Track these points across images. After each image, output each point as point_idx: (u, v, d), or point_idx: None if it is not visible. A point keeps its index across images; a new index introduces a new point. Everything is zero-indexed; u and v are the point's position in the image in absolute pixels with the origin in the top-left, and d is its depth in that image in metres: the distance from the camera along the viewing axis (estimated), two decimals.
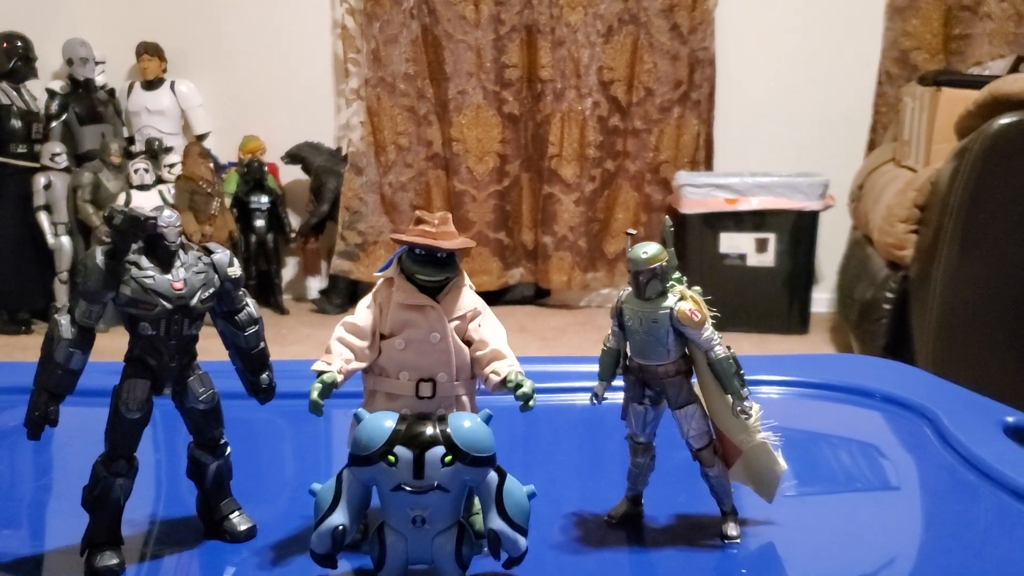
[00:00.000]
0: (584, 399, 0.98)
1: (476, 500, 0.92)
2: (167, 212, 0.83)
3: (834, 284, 4.31)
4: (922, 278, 2.94)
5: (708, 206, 4.04)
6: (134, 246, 0.83)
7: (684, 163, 4.52)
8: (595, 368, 0.94)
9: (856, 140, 4.50)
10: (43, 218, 4.22)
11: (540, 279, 4.71)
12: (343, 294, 4.65)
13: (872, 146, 4.44)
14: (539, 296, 4.78)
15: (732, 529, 0.91)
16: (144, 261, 0.83)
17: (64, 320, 0.82)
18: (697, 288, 0.90)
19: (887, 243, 3.20)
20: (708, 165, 4.55)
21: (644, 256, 0.87)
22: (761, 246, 4.07)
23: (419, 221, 0.89)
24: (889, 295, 3.17)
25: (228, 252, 0.88)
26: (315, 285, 4.82)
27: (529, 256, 4.71)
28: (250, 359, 0.91)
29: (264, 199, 4.50)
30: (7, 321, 4.30)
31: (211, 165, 4.38)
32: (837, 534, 0.95)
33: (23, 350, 4.05)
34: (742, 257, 4.08)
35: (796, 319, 4.12)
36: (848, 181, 4.19)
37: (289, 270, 4.88)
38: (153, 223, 0.81)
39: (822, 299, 4.43)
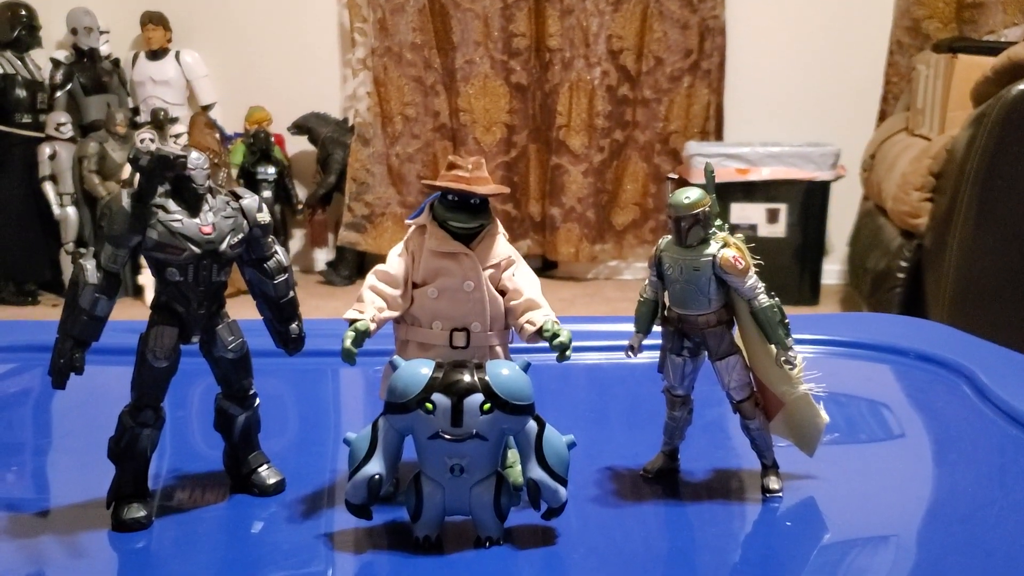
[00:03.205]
0: (619, 356, 0.96)
1: (510, 454, 0.90)
2: (195, 154, 0.80)
3: (844, 255, 4.28)
4: (937, 247, 2.91)
5: (719, 176, 3.95)
6: (160, 189, 0.80)
7: (694, 133, 4.48)
8: (630, 327, 0.92)
9: (867, 110, 4.45)
10: (49, 188, 4.19)
11: (548, 251, 4.67)
12: (350, 266, 4.62)
13: (883, 116, 4.39)
14: (546, 268, 4.75)
15: (774, 483, 0.89)
16: (171, 204, 0.80)
17: (90, 265, 0.79)
18: (740, 235, 0.87)
19: (901, 211, 3.16)
20: (718, 135, 4.50)
21: (687, 201, 0.84)
22: (772, 216, 4.04)
23: (452, 166, 0.86)
24: (903, 264, 3.15)
25: (256, 197, 0.86)
26: (322, 257, 4.79)
27: (537, 228, 4.68)
28: (279, 308, 0.89)
29: (271, 170, 4.47)
30: (14, 292, 4.28)
31: (217, 136, 4.33)
32: (879, 488, 0.93)
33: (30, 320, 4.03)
34: (753, 227, 4.04)
35: (807, 290, 4.09)
36: (859, 151, 4.15)
37: (296, 242, 4.85)
38: (183, 162, 0.78)
39: (832, 270, 4.39)
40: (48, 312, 4.15)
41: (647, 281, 0.91)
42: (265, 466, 0.90)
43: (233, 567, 0.80)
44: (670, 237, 0.88)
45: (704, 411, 0.95)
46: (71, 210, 4.22)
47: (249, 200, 0.85)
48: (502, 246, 0.88)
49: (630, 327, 0.92)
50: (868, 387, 1.24)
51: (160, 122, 4.36)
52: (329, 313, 4.07)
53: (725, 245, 0.85)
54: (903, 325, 1.45)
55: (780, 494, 0.89)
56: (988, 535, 0.85)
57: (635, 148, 4.56)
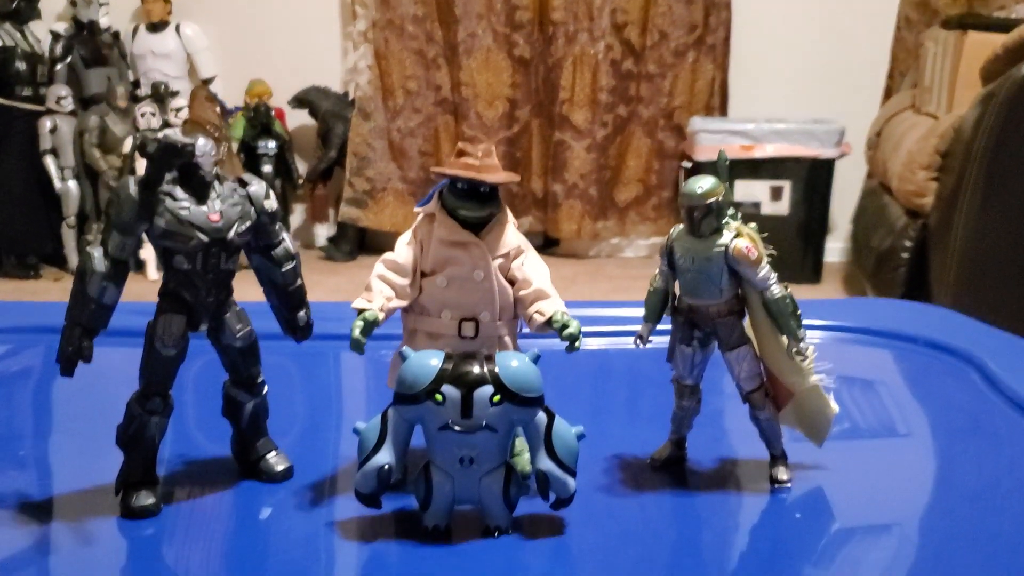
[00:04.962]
0: (627, 342, 0.95)
1: (518, 442, 0.89)
2: (202, 140, 0.79)
3: (847, 233, 4.27)
4: (942, 226, 2.90)
5: None
6: (168, 176, 0.80)
7: (698, 109, 4.45)
8: (640, 311, 0.91)
9: (873, 86, 4.41)
10: (50, 162, 4.17)
11: (549, 228, 4.65)
12: (351, 241, 4.61)
13: (889, 93, 4.36)
14: (548, 245, 4.73)
15: (783, 473, 0.89)
16: (179, 192, 0.80)
17: (97, 253, 0.79)
18: (753, 224, 0.86)
19: (907, 190, 3.15)
20: (723, 111, 4.48)
21: (700, 191, 0.83)
22: (776, 194, 4.02)
23: (461, 153, 0.85)
24: (907, 243, 3.13)
25: (264, 184, 0.85)
26: (323, 232, 4.77)
27: (538, 204, 4.66)
28: (287, 296, 0.88)
29: (271, 144, 4.44)
30: (15, 265, 4.27)
31: (218, 109, 4.30)
32: (887, 478, 0.93)
33: (32, 294, 4.03)
34: (756, 205, 4.02)
35: (809, 268, 4.08)
36: (864, 128, 4.12)
37: (297, 217, 4.84)
38: (191, 150, 0.77)
39: (835, 248, 4.38)
40: (49, 287, 4.15)
41: (657, 270, 0.90)
42: (273, 452, 0.90)
43: (243, 554, 0.80)
44: (682, 226, 0.87)
45: (710, 398, 0.95)
46: (72, 184, 4.21)
47: (256, 187, 0.84)
48: (512, 235, 0.87)
49: (636, 311, 0.91)
50: (876, 374, 1.23)
51: (161, 95, 4.33)
52: (330, 288, 4.06)
53: (738, 235, 0.84)
54: (911, 311, 1.44)
55: (789, 485, 0.88)
56: (996, 525, 0.85)
57: (639, 123, 4.53)
